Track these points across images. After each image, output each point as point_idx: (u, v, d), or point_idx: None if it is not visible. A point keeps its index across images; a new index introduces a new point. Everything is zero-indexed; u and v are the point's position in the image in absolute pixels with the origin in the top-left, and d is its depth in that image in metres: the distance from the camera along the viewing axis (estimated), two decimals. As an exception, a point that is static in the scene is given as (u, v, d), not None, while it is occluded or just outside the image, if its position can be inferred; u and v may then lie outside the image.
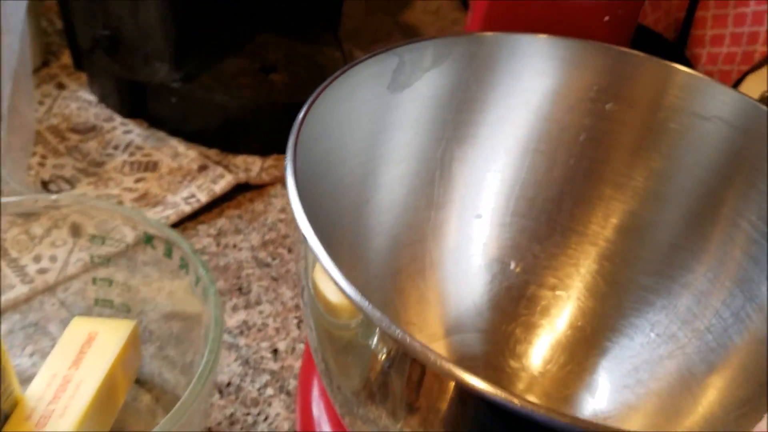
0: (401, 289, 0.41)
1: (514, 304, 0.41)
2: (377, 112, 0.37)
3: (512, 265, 0.41)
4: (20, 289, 0.47)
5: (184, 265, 0.39)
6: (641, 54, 0.37)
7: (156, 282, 0.42)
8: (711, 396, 0.36)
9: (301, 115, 0.31)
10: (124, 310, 0.44)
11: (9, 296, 0.46)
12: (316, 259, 0.25)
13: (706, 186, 0.37)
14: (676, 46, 0.60)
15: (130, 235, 0.41)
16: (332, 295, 0.26)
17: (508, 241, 0.41)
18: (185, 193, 0.56)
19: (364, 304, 0.23)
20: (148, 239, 0.41)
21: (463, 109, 0.39)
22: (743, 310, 0.36)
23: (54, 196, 0.42)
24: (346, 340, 0.28)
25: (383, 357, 0.25)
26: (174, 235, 0.39)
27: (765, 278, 0.34)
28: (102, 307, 0.44)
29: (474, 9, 0.49)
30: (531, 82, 0.38)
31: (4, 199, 0.42)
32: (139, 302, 0.43)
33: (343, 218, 0.37)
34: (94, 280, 0.44)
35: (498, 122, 0.39)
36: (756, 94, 0.51)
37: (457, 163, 0.40)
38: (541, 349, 0.41)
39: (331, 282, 0.25)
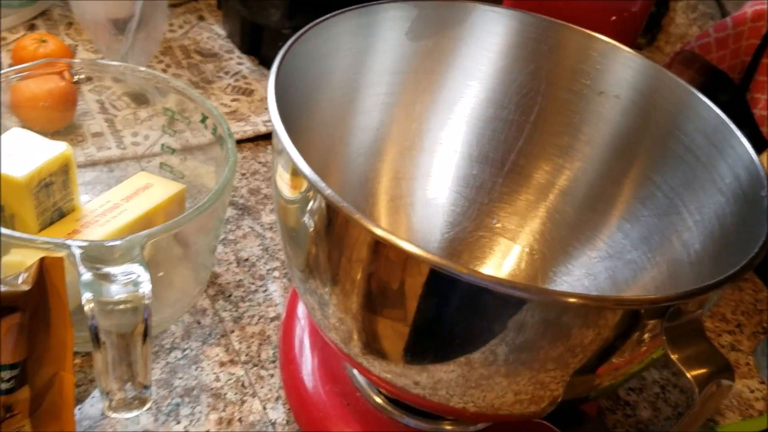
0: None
1: (486, 252, 0.44)
2: (367, 56, 0.39)
3: (494, 221, 0.44)
4: (114, 152, 0.52)
5: (222, 145, 0.43)
6: (568, 24, 0.39)
7: (212, 173, 0.46)
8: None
9: (297, 35, 0.34)
10: (180, 178, 0.48)
11: (105, 154, 0.51)
12: (275, 129, 0.29)
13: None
14: (738, 87, 0.58)
15: (194, 115, 0.45)
16: (285, 170, 0.30)
17: (497, 200, 0.44)
18: (266, 118, 0.61)
19: (299, 160, 0.27)
20: (203, 119, 0.44)
21: (462, 69, 0.41)
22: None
23: (154, 71, 0.46)
24: (293, 221, 0.31)
25: (314, 227, 0.29)
26: (221, 119, 0.43)
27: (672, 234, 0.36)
28: (165, 171, 0.48)
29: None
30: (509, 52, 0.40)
31: (105, 61, 0.46)
32: (197, 186, 0.47)
33: (320, 150, 0.38)
34: (162, 146, 0.47)
35: (502, 92, 0.42)
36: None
37: (464, 116, 0.43)
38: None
39: (285, 151, 0.28)
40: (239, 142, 0.59)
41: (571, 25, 0.38)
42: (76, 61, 0.45)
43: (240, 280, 0.48)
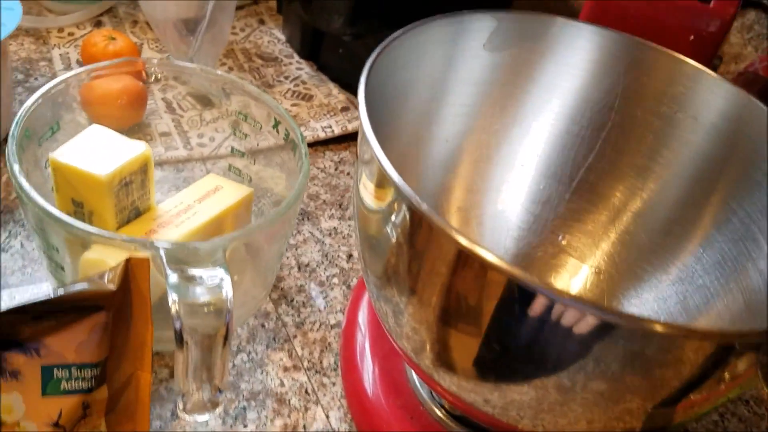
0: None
1: (552, 269, 0.43)
2: (457, 64, 0.39)
3: (560, 237, 0.43)
4: (181, 152, 0.52)
5: (295, 151, 0.43)
6: (657, 46, 0.38)
7: (277, 177, 0.47)
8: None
9: (384, 44, 0.34)
10: (246, 181, 0.48)
11: (172, 154, 0.52)
12: (365, 138, 0.28)
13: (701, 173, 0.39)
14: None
15: (266, 120, 0.45)
16: (370, 179, 0.30)
17: (563, 215, 0.43)
18: (324, 123, 0.61)
19: (391, 169, 0.27)
20: (275, 124, 0.45)
21: (538, 82, 0.41)
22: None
23: (230, 76, 0.46)
24: (374, 230, 0.31)
25: (396, 237, 0.29)
26: (293, 124, 0.43)
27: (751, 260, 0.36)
28: (232, 173, 0.48)
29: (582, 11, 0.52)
30: (599, 70, 0.40)
31: (182, 63, 0.46)
32: (262, 189, 0.48)
33: (399, 152, 0.38)
34: (232, 150, 0.48)
35: (578, 106, 0.41)
36: None
37: (540, 131, 0.42)
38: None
39: (374, 161, 0.28)
40: (299, 146, 0.59)
41: (655, 45, 0.38)
42: (154, 60, 0.45)
43: (301, 285, 0.48)
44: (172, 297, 0.31)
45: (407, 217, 0.28)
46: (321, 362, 0.43)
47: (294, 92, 0.64)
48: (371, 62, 0.33)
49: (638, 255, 0.41)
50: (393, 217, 0.29)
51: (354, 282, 0.49)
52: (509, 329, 0.28)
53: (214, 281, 0.32)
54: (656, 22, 0.49)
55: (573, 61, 0.40)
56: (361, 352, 0.42)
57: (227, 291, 0.32)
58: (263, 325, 0.45)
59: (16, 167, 0.34)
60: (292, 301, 0.47)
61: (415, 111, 0.39)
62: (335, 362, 0.43)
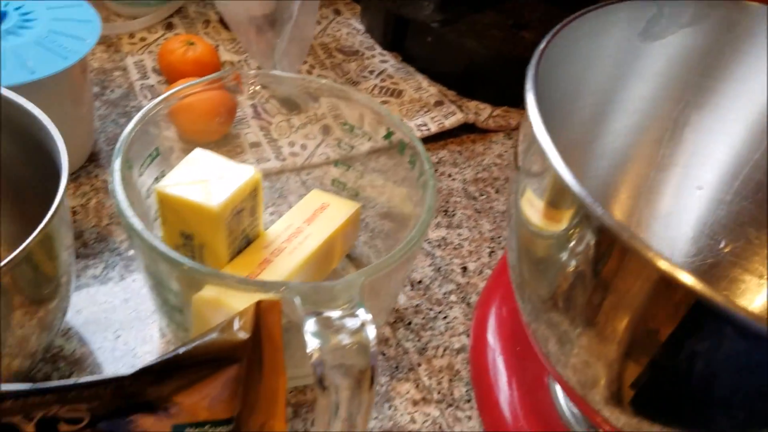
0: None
1: (713, 282, 0.39)
2: (622, 56, 0.34)
3: (722, 244, 0.39)
4: (274, 164, 0.49)
5: (412, 161, 0.40)
6: None
7: (381, 186, 0.43)
8: None
9: (548, 37, 0.29)
10: (352, 194, 0.45)
11: (264, 166, 0.49)
12: (543, 153, 0.25)
13: None
14: None
15: (374, 130, 0.42)
16: (539, 196, 0.27)
17: (724, 219, 0.38)
18: (419, 121, 0.57)
19: (584, 193, 0.23)
20: (388, 134, 0.41)
21: (710, 75, 0.36)
22: None
23: (323, 80, 0.43)
24: (542, 253, 0.28)
25: (574, 265, 0.26)
26: (411, 134, 0.39)
27: None
28: (336, 188, 0.45)
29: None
30: None
31: (280, 72, 0.43)
32: (363, 198, 0.44)
33: (565, 151, 0.35)
34: (336, 162, 0.44)
35: (745, 96, 0.36)
36: None
37: (690, 128, 0.37)
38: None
39: (551, 177, 0.25)
40: (394, 148, 0.55)
41: None
42: (251, 72, 0.42)
43: (417, 306, 0.44)
44: (312, 344, 0.28)
45: (594, 243, 0.24)
46: (452, 393, 0.40)
47: (381, 88, 0.60)
48: (537, 58, 0.29)
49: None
50: (572, 243, 0.25)
51: (473, 299, 0.45)
52: (726, 379, 0.23)
53: (354, 324, 0.29)
54: None
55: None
56: (496, 382, 0.39)
57: (370, 332, 0.29)
58: (383, 353, 0.41)
59: (124, 205, 0.31)
60: (409, 324, 0.43)
61: (582, 109, 0.34)
62: (468, 393, 0.40)
